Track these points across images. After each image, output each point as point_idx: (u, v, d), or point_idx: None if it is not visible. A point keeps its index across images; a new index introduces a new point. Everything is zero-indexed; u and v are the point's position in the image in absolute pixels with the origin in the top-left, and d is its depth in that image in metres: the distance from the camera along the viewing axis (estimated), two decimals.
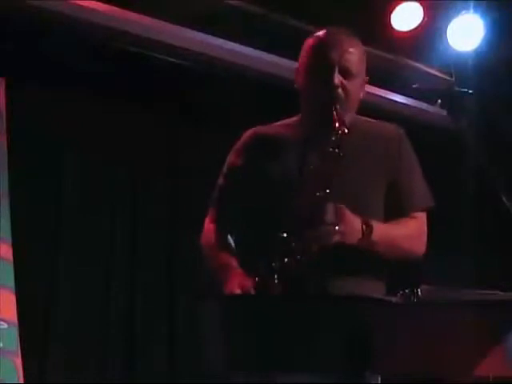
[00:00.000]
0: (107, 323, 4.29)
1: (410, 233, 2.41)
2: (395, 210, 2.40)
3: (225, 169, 2.55)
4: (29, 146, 4.07)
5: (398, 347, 1.77)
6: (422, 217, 2.46)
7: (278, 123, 2.55)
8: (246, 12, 4.06)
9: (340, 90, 2.35)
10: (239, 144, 2.54)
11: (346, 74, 2.36)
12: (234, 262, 2.37)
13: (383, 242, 2.31)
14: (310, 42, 2.48)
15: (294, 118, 2.53)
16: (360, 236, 2.26)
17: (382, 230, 2.31)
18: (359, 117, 2.47)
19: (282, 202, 2.33)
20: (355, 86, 2.40)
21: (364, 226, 2.27)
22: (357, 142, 2.37)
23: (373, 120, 2.53)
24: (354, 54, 2.40)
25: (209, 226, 2.52)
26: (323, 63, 2.37)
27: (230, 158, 2.54)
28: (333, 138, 2.27)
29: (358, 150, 2.38)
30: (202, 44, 4.12)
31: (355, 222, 2.26)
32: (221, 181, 2.54)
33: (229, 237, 2.47)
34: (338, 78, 2.34)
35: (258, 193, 2.41)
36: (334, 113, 2.30)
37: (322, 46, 2.41)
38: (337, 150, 2.26)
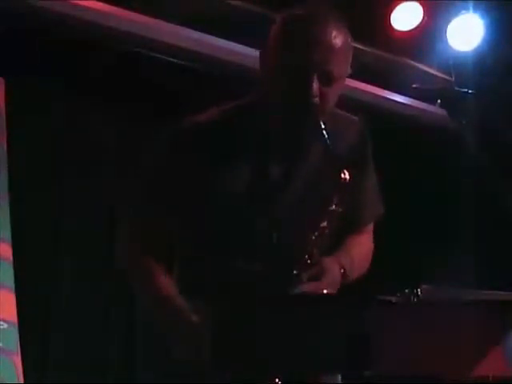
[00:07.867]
0: (107, 323, 4.29)
1: (366, 261, 2.16)
2: (347, 219, 2.03)
3: (154, 175, 2.12)
4: (29, 146, 4.07)
5: (398, 347, 1.77)
6: (370, 230, 2.21)
7: (223, 109, 2.19)
8: (246, 12, 4.05)
9: (317, 99, 1.88)
10: (176, 140, 2.12)
11: (326, 79, 1.89)
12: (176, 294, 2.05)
13: (351, 275, 2.04)
14: (286, 27, 1.96)
15: (241, 103, 2.18)
16: (339, 282, 1.99)
17: (349, 265, 2.02)
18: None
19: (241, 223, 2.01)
20: (336, 91, 1.94)
21: (342, 271, 1.98)
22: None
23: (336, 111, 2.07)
24: (340, 53, 1.90)
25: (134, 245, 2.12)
26: (300, 64, 1.89)
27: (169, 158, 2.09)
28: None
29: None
30: (201, 44, 4.12)
31: (336, 274, 1.96)
32: (147, 191, 2.12)
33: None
34: (316, 85, 1.87)
35: (206, 210, 2.04)
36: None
37: (300, 40, 1.89)
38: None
